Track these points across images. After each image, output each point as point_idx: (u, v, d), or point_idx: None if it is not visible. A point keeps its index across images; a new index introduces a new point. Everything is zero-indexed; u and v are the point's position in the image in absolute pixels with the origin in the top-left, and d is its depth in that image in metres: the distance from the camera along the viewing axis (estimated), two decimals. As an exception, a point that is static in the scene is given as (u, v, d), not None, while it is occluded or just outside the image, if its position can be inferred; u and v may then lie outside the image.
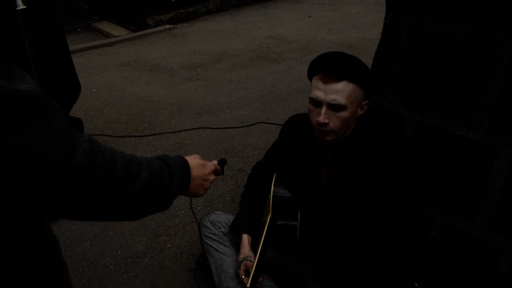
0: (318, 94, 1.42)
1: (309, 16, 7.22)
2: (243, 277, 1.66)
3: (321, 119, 1.42)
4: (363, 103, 1.48)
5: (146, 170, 0.84)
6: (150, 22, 7.11)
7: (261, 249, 1.61)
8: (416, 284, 1.81)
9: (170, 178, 0.94)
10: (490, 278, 1.61)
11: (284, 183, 1.71)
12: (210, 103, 4.19)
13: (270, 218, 1.68)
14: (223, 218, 1.88)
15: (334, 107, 1.41)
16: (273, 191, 1.70)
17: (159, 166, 0.91)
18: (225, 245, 1.81)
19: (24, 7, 2.28)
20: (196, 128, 3.68)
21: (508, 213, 1.50)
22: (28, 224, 0.81)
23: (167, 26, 7.12)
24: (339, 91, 1.39)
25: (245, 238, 1.76)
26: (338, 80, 1.39)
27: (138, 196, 0.81)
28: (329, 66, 1.41)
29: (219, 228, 1.85)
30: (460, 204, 1.62)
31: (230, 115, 3.91)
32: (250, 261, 1.68)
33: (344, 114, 1.42)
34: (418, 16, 1.59)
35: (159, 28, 7.04)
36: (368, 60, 1.85)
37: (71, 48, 3.13)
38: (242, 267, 1.67)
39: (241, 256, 1.71)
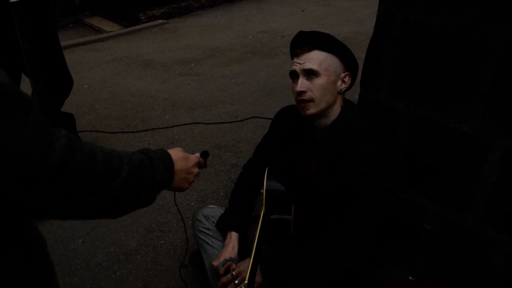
0: (294, 66, 1.53)
1: (302, 11, 7.19)
2: (222, 274, 1.58)
3: (298, 87, 1.50)
4: (343, 75, 1.55)
5: (127, 164, 0.83)
6: (142, 17, 7.04)
7: (256, 246, 1.57)
8: (410, 278, 1.81)
9: (152, 172, 0.92)
10: (484, 271, 1.61)
11: (276, 177, 1.69)
12: (203, 98, 4.16)
13: (264, 213, 1.65)
14: (217, 212, 1.84)
15: (308, 73, 1.50)
16: (266, 185, 1.68)
17: (140, 159, 0.90)
18: (219, 240, 1.77)
19: (18, 0, 2.24)
20: (189, 124, 3.66)
21: (501, 206, 1.49)
22: (17, 224, 0.80)
23: (160, 21, 7.05)
24: (311, 59, 1.49)
25: (234, 237, 1.70)
26: (310, 50, 1.50)
27: (120, 191, 0.80)
28: (300, 40, 1.55)
29: (213, 222, 1.81)
30: (454, 197, 1.62)
31: (224, 110, 3.88)
32: (236, 264, 1.60)
33: (319, 80, 1.49)
34: (411, 8, 1.57)
35: (151, 23, 6.97)
36: (361, 53, 1.84)
37: (62, 44, 3.08)
38: (225, 266, 1.59)
39: (227, 255, 1.63)
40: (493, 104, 1.42)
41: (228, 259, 1.62)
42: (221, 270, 1.59)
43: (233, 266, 1.60)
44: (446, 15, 1.47)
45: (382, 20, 1.71)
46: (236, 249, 1.67)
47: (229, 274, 1.56)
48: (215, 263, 1.63)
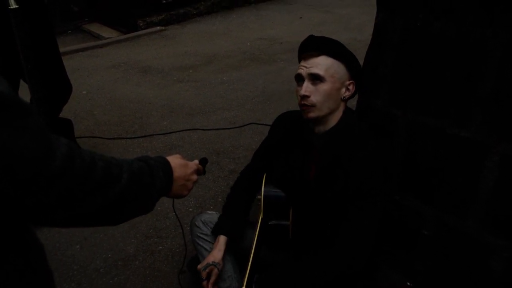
0: (300, 70, 1.54)
1: (300, 18, 7.21)
2: (204, 278, 1.61)
3: (302, 91, 1.50)
4: (348, 82, 1.54)
5: (127, 172, 0.83)
6: (141, 24, 7.05)
7: (254, 251, 1.58)
8: (408, 284, 1.81)
9: (152, 179, 0.93)
10: (483, 276, 1.61)
11: (274, 182, 1.69)
12: (202, 105, 4.17)
13: (262, 218, 1.66)
14: (215, 218, 1.83)
15: (313, 78, 1.49)
16: (264, 190, 1.68)
17: (140, 167, 0.90)
18: (216, 246, 1.77)
19: (17, 6, 2.24)
20: (187, 130, 3.66)
21: (500, 211, 1.49)
22: (16, 226, 0.80)
23: (158, 28, 7.06)
24: (318, 64, 1.50)
25: (222, 240, 1.70)
26: (318, 55, 1.50)
27: (120, 199, 0.81)
28: (309, 44, 1.54)
29: (211, 228, 1.80)
30: (453, 202, 1.62)
31: (222, 117, 3.89)
32: (218, 269, 1.64)
33: (323, 86, 1.49)
34: (408, 15, 1.58)
35: (150, 30, 6.98)
36: (360, 60, 1.84)
37: (61, 50, 3.09)
38: (207, 270, 1.62)
39: (211, 260, 1.65)
40: (491, 110, 1.43)
41: (211, 263, 1.64)
42: (203, 274, 1.61)
43: (215, 271, 1.62)
44: (445, 22, 1.48)
45: (380, 27, 1.72)
46: (221, 254, 1.68)
47: (210, 279, 1.60)
48: (199, 266, 1.65)
